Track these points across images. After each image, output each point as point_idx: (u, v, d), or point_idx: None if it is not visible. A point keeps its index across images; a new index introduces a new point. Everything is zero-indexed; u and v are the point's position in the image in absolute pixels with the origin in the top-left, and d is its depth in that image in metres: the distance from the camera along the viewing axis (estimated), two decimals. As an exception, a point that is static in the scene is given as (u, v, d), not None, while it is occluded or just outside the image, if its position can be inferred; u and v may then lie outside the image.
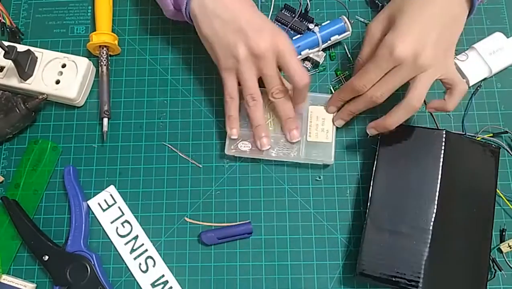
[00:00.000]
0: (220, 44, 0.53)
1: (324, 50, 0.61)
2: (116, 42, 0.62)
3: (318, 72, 0.61)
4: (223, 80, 0.54)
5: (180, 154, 0.57)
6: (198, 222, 0.56)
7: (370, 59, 0.51)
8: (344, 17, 0.59)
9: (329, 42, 0.59)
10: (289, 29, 0.61)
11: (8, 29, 0.62)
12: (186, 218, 0.56)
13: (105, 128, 0.58)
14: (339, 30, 0.59)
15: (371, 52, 0.53)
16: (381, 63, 0.49)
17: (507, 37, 0.59)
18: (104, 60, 0.60)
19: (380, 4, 0.62)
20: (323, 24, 0.59)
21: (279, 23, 0.62)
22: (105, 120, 0.59)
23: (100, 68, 0.60)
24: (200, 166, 0.58)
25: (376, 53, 0.50)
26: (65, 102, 0.60)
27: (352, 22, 0.61)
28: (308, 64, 0.61)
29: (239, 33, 0.51)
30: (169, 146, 0.56)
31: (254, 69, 0.53)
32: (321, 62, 0.60)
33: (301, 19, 0.61)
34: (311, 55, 0.60)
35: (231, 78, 0.54)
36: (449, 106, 0.52)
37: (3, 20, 0.62)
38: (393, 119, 0.52)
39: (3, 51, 0.54)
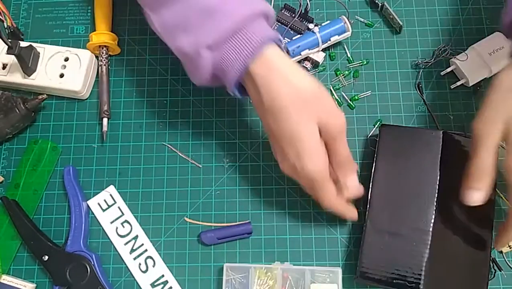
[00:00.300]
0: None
1: (324, 50, 0.61)
2: (116, 42, 0.62)
3: (318, 72, 0.61)
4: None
5: (180, 154, 0.57)
6: (198, 222, 0.56)
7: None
8: (344, 17, 0.59)
9: (329, 42, 0.59)
10: (289, 29, 0.61)
11: (8, 29, 0.62)
12: (186, 218, 0.56)
13: (104, 128, 0.58)
14: (339, 30, 0.59)
15: (493, 160, 0.46)
16: None
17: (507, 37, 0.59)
18: (104, 60, 0.60)
19: (380, 4, 0.62)
20: (323, 24, 0.59)
21: (279, 23, 0.62)
22: (105, 120, 0.59)
23: (100, 68, 0.60)
24: (200, 166, 0.58)
25: None
26: (70, 96, 0.60)
27: (352, 22, 0.61)
28: (308, 64, 0.61)
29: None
30: (169, 146, 0.56)
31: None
32: (321, 62, 0.60)
33: (301, 19, 0.61)
34: (311, 55, 0.60)
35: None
36: None
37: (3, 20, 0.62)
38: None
39: (5, 49, 0.55)
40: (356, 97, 0.60)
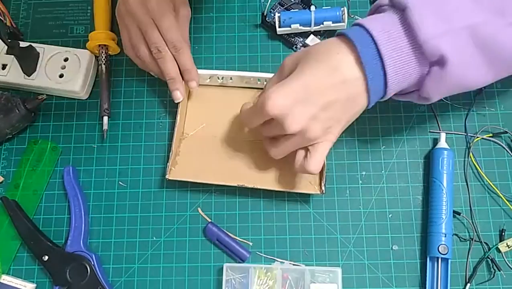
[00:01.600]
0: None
1: (320, 36, 0.61)
2: (116, 41, 0.62)
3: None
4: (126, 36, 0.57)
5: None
6: (206, 218, 0.56)
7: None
8: (345, 8, 0.59)
9: (321, 26, 0.59)
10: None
11: (8, 29, 0.61)
12: (199, 209, 0.56)
13: (105, 127, 0.58)
14: (334, 18, 0.59)
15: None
16: (257, 111, 0.47)
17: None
18: (104, 59, 0.60)
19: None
20: (322, 8, 0.60)
21: (281, 7, 0.62)
22: (105, 119, 0.59)
23: (99, 67, 0.60)
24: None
25: (257, 101, 0.47)
26: (69, 96, 0.60)
27: (352, 16, 0.62)
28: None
29: None
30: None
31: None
32: None
33: (303, 6, 0.62)
34: (306, 41, 0.60)
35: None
36: (310, 166, 0.48)
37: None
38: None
39: (5, 49, 0.55)
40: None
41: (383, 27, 0.42)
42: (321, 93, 0.44)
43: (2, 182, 0.58)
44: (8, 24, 0.61)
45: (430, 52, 0.41)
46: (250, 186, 0.54)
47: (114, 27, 0.63)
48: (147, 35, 0.55)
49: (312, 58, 0.45)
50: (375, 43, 0.42)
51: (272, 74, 0.56)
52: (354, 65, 0.43)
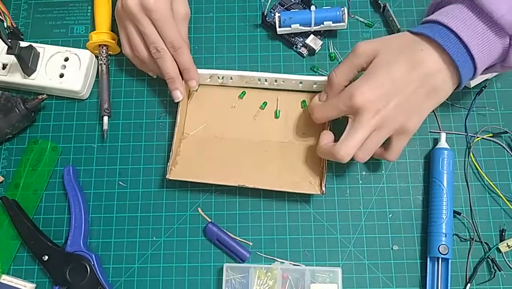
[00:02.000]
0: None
1: (320, 36, 0.61)
2: (116, 41, 0.62)
3: (318, 73, 0.61)
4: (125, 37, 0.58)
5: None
6: (206, 218, 0.56)
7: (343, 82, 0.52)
8: (345, 8, 0.59)
9: (321, 26, 0.59)
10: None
11: (8, 29, 0.62)
12: (199, 209, 0.56)
13: (105, 126, 0.58)
14: (334, 18, 0.59)
15: (348, 73, 0.52)
16: (338, 103, 0.49)
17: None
18: (104, 59, 0.61)
19: (382, 5, 0.62)
20: (322, 8, 0.60)
21: (281, 7, 0.62)
22: (105, 118, 0.59)
23: (100, 67, 0.61)
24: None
25: (340, 93, 0.50)
26: (69, 96, 0.60)
27: (353, 16, 0.61)
28: (304, 51, 0.61)
29: None
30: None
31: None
32: (317, 50, 0.61)
33: (303, 6, 0.62)
34: (306, 41, 0.60)
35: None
36: (391, 156, 0.51)
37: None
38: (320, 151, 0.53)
39: (5, 49, 0.55)
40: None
41: (456, 17, 0.46)
42: (407, 85, 0.47)
43: (2, 182, 0.58)
44: (8, 24, 0.61)
45: (508, 25, 0.45)
46: (251, 186, 0.53)
47: (114, 27, 0.63)
48: (146, 35, 0.55)
49: (395, 50, 0.48)
50: (456, 34, 0.46)
51: (273, 74, 0.56)
52: (439, 59, 0.47)
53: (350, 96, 0.48)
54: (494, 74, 0.58)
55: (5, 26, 0.61)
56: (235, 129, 0.58)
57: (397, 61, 0.48)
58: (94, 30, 0.61)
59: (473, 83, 0.58)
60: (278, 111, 0.58)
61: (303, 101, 0.58)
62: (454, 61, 0.46)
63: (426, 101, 0.48)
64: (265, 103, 0.58)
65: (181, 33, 0.56)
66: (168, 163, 0.54)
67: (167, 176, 0.54)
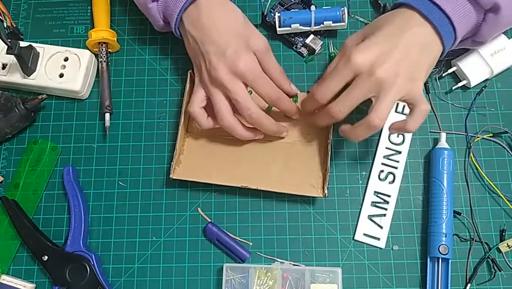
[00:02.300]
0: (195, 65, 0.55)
1: (321, 37, 0.61)
2: (115, 38, 0.61)
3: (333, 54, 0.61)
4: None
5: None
6: (206, 218, 0.56)
7: None
8: (345, 8, 0.59)
9: (321, 26, 0.59)
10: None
11: (8, 29, 0.62)
12: (199, 209, 0.56)
13: (107, 123, 0.58)
14: (334, 17, 0.59)
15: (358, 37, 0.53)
16: (339, 70, 0.49)
17: (508, 38, 0.59)
18: (104, 57, 0.60)
19: (382, 5, 0.62)
20: (322, 8, 0.60)
21: (281, 6, 0.62)
22: (107, 115, 0.59)
23: (100, 65, 0.60)
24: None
25: (338, 61, 0.50)
26: (69, 96, 0.60)
27: (353, 16, 0.61)
28: (304, 51, 0.61)
29: (204, 56, 0.52)
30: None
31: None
32: (317, 50, 0.61)
33: (303, 6, 0.62)
34: (306, 41, 0.60)
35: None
36: (410, 126, 0.49)
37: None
38: (355, 135, 0.51)
39: (5, 49, 0.55)
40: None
41: None
42: (401, 39, 0.49)
43: (2, 182, 0.58)
44: (8, 24, 0.61)
45: (485, 1, 0.49)
46: (253, 187, 0.53)
47: (114, 27, 0.63)
48: (238, 102, 0.51)
49: (384, 20, 0.51)
50: (439, 7, 0.49)
51: None
52: (424, 22, 0.50)
53: (348, 58, 0.48)
54: (494, 74, 0.58)
55: (5, 26, 0.61)
56: None
57: (387, 24, 0.50)
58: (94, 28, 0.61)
59: (473, 83, 0.58)
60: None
61: (295, 96, 0.57)
62: (437, 28, 0.49)
63: (422, 56, 0.49)
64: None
65: (277, 83, 0.54)
66: (172, 162, 0.54)
67: (171, 176, 0.54)
